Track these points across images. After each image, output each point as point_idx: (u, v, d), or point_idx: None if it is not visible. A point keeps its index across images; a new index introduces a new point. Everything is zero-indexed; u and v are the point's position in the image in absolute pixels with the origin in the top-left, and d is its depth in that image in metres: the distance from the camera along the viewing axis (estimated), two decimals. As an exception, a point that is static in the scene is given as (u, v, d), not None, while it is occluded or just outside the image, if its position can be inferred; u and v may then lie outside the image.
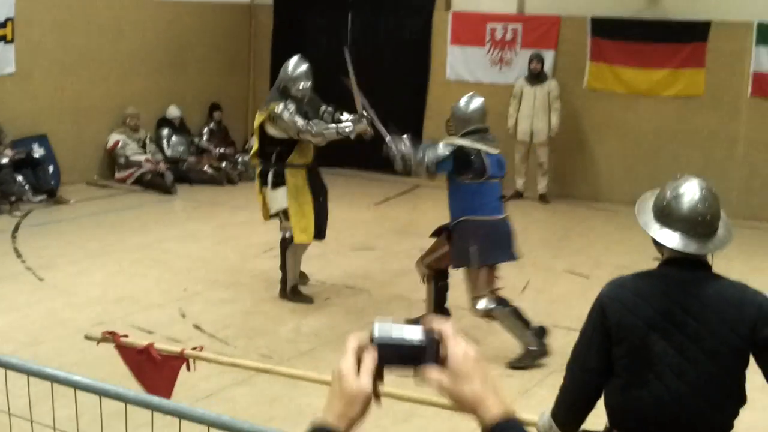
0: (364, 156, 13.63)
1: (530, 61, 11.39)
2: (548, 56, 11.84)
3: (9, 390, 3.29)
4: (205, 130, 13.12)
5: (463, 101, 6.43)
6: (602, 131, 11.85)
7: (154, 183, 11.68)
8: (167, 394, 4.10)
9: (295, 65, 7.39)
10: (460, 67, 12.59)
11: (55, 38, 11.34)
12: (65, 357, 5.81)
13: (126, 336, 4.32)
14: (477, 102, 6.40)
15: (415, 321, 5.60)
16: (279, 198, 7.25)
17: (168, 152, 12.45)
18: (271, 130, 7.19)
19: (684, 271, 3.04)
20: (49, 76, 11.37)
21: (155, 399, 2.73)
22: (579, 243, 9.55)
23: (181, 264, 8.41)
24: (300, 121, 7.07)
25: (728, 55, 10.96)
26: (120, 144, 11.88)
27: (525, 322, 6.29)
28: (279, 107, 7.10)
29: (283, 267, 7.42)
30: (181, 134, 12.79)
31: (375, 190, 12.19)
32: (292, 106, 7.14)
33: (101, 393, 2.89)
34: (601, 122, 11.82)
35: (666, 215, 3.05)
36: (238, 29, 14.00)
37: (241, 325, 6.88)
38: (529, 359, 6.23)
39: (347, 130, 7.20)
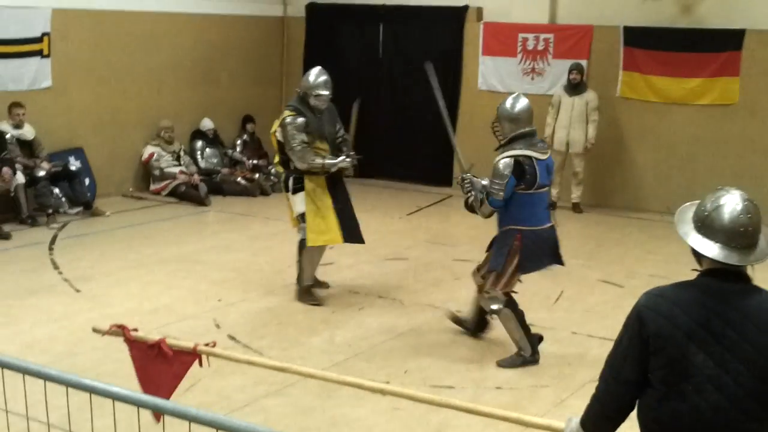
0: (396, 166, 13.77)
1: (570, 72, 11.34)
2: (584, 66, 11.80)
3: (48, 401, 3.33)
4: (239, 141, 13.22)
5: (508, 102, 6.30)
6: (636, 140, 11.78)
7: (188, 195, 11.78)
8: (168, 393, 4.08)
9: (317, 75, 7.57)
10: (492, 78, 12.59)
11: (90, 52, 11.49)
12: (102, 367, 5.88)
13: (136, 330, 4.27)
14: (523, 102, 6.29)
15: (458, 321, 5.45)
16: (298, 202, 7.51)
17: (202, 164, 12.56)
18: (279, 136, 7.48)
19: (724, 282, 3.01)
20: (85, 90, 11.52)
21: (192, 410, 2.75)
22: (613, 253, 9.48)
23: (216, 275, 8.47)
24: (296, 140, 7.33)
25: (763, 63, 10.87)
26: (155, 156, 12.00)
27: (526, 328, 6.36)
28: (289, 117, 7.40)
29: (299, 267, 7.72)
30: (214, 146, 12.90)
31: (406, 200, 12.22)
32: (301, 120, 7.36)
33: (139, 404, 2.92)
34: (635, 131, 11.76)
35: (707, 226, 3.03)
36: (271, 41, 14.10)
37: (275, 335, 6.92)
38: (518, 363, 6.34)
39: (332, 169, 7.48)
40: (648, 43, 11.48)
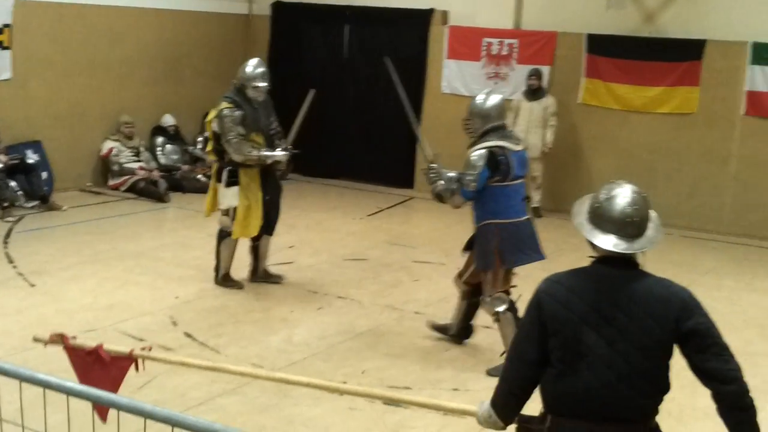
0: (358, 167, 13.76)
1: (529, 77, 11.41)
2: (544, 72, 11.88)
3: (1, 396, 3.28)
4: (200, 138, 13.12)
5: (480, 97, 6.29)
6: (596, 146, 11.89)
7: (147, 191, 11.67)
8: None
9: (254, 66, 7.63)
10: (456, 81, 12.63)
11: (51, 45, 11.35)
12: (56, 363, 5.76)
13: (75, 338, 4.38)
14: (495, 98, 6.28)
15: (440, 328, 5.42)
16: (230, 196, 7.58)
17: (162, 160, 12.47)
18: (214, 126, 7.53)
19: (614, 269, 3.25)
20: (45, 83, 11.38)
21: (147, 406, 2.72)
22: (572, 257, 9.53)
23: (173, 272, 8.40)
24: (233, 132, 7.38)
25: (723, 73, 11.02)
26: (114, 151, 11.89)
27: None
28: (227, 109, 7.46)
29: (217, 256, 7.92)
30: (175, 143, 12.81)
31: (367, 201, 12.21)
32: (238, 113, 7.43)
33: (93, 399, 2.89)
34: (596, 137, 11.87)
35: (598, 216, 3.28)
36: (236, 39, 14.03)
37: (232, 333, 6.87)
38: None
39: (268, 161, 7.57)
40: (610, 50, 11.59)
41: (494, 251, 6.15)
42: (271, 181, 7.77)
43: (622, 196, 3.28)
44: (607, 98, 11.72)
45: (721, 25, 11.02)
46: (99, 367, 4.21)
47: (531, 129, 11.30)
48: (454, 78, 12.66)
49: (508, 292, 6.32)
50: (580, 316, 3.19)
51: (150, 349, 4.30)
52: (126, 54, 12.33)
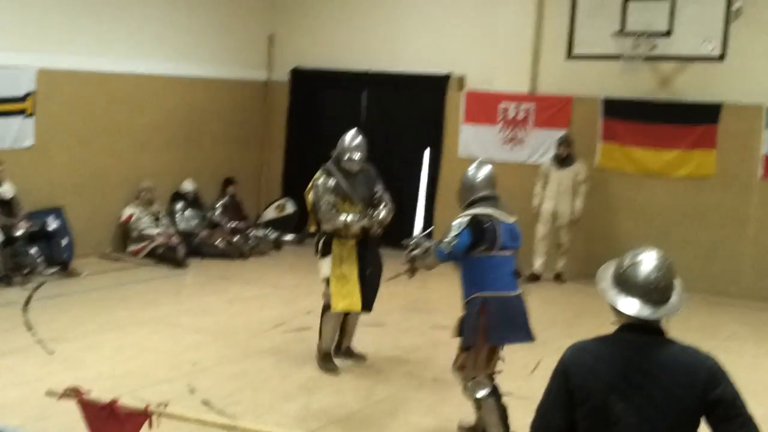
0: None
1: (558, 145, 11.44)
2: (559, 135, 11.94)
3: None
4: (219, 204, 13.22)
5: (471, 169, 6.12)
6: (613, 211, 11.88)
7: (166, 256, 11.72)
8: None
9: (351, 138, 7.64)
10: (473, 145, 12.70)
11: (73, 112, 11.52)
12: (76, 431, 5.77)
13: (89, 392, 4.35)
14: (485, 169, 6.06)
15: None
16: (324, 266, 7.48)
17: (181, 225, 12.54)
18: (311, 196, 7.49)
19: (640, 335, 3.25)
20: (66, 150, 11.53)
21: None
22: (592, 322, 9.45)
23: (192, 338, 8.40)
24: (323, 201, 7.35)
25: (739, 137, 11.06)
26: (134, 217, 11.98)
27: (507, 427, 5.86)
28: (321, 179, 7.46)
29: (320, 333, 7.65)
30: (194, 208, 12.90)
31: (385, 266, 12.17)
32: (331, 182, 7.41)
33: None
34: (613, 201, 11.87)
35: (623, 282, 3.27)
36: (254, 105, 14.21)
37: (250, 401, 6.84)
38: None
39: (354, 228, 7.46)
40: (626, 114, 11.67)
41: (479, 327, 5.76)
42: (371, 255, 7.60)
43: (647, 261, 3.27)
44: (623, 162, 11.75)
45: (737, 89, 11.09)
46: (113, 423, 4.18)
47: (560, 197, 11.34)
48: (470, 142, 12.74)
49: (491, 376, 5.92)
50: (607, 383, 3.18)
51: (166, 406, 4.24)
52: (146, 121, 12.50)
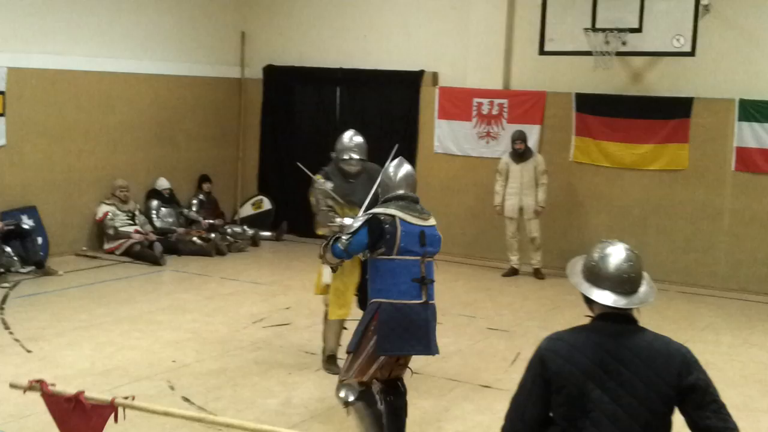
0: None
1: (513, 141, 11.48)
2: (534, 130, 12.03)
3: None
4: (195, 201, 13.19)
5: (390, 166, 5.79)
6: (589, 204, 11.97)
7: (143, 254, 11.68)
8: None
9: (348, 138, 7.27)
10: (448, 141, 12.75)
11: (45, 111, 11.44)
12: (52, 430, 5.75)
13: (54, 385, 4.31)
14: (404, 169, 5.74)
15: None
16: (326, 273, 7.15)
17: (157, 223, 12.50)
18: (311, 199, 7.25)
19: (615, 325, 3.34)
20: (39, 149, 11.44)
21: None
22: (568, 314, 9.56)
23: (171, 335, 8.38)
24: (321, 204, 7.10)
25: (711, 130, 11.18)
26: (109, 215, 11.92)
27: None
28: (319, 181, 7.19)
29: (323, 337, 7.55)
30: (170, 205, 12.86)
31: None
32: (329, 185, 7.12)
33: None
34: (588, 195, 11.96)
35: (595, 275, 3.39)
36: (228, 103, 14.17)
37: (230, 397, 6.84)
38: None
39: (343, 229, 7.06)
40: (599, 109, 11.75)
41: (367, 333, 5.40)
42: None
43: (616, 253, 3.40)
44: (597, 156, 11.85)
45: (708, 83, 11.21)
46: (78, 415, 4.14)
47: (524, 191, 11.37)
48: (445, 138, 12.78)
49: (368, 384, 5.51)
50: (583, 371, 3.26)
51: (133, 399, 4.20)
52: (119, 119, 12.44)
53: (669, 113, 11.36)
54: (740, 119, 10.99)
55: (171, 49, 13.15)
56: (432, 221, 5.61)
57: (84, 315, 8.98)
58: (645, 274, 3.43)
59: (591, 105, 11.81)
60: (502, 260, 11.82)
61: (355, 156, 7.16)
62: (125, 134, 12.57)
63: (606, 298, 3.33)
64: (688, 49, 11.14)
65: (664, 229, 11.49)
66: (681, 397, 3.23)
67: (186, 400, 6.71)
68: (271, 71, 14.09)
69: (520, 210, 11.46)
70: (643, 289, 3.38)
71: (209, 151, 13.88)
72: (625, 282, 3.33)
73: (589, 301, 3.41)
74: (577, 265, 3.50)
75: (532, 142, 11.84)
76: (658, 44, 11.31)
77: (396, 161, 5.85)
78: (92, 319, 8.86)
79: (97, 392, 6.62)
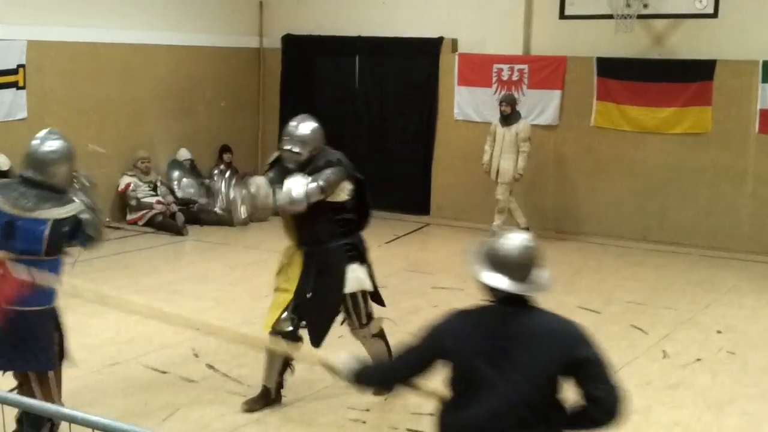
0: (373, 196, 13.76)
1: (500, 103, 11.36)
2: (555, 96, 11.95)
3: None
4: (216, 171, 13.22)
5: (35, 141, 5.14)
6: (611, 168, 11.89)
7: (165, 224, 11.75)
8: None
9: (289, 125, 6.08)
10: (468, 108, 12.68)
11: (65, 84, 11.48)
12: (80, 398, 5.84)
13: None
14: (49, 145, 5.06)
15: None
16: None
17: (179, 194, 12.54)
18: None
19: (507, 306, 3.50)
20: (60, 121, 11.43)
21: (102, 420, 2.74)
22: (591, 279, 9.56)
23: (193, 304, 8.43)
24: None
25: (734, 93, 11.05)
26: (131, 186, 11.98)
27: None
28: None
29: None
30: (191, 176, 12.90)
31: (383, 229, 12.22)
32: (271, 175, 6.14)
33: None
34: (610, 160, 11.88)
35: (490, 261, 3.53)
36: (248, 72, 14.16)
37: (254, 364, 6.85)
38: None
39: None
40: (621, 73, 11.64)
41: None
42: (326, 278, 6.11)
43: (512, 242, 3.55)
44: (619, 120, 11.75)
45: (731, 45, 11.06)
46: None
47: (503, 154, 11.23)
48: (466, 104, 12.71)
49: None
50: (475, 348, 3.43)
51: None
52: (140, 90, 12.46)
53: (691, 76, 11.23)
54: (764, 81, 10.84)
55: (190, 19, 13.12)
56: (36, 212, 4.97)
57: (108, 285, 9.02)
58: (543, 265, 3.57)
59: (612, 69, 11.69)
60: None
61: (289, 148, 5.89)
62: (145, 106, 12.60)
63: (501, 282, 3.47)
64: (710, 10, 11.03)
65: (686, 192, 11.41)
66: (573, 372, 3.35)
67: (210, 367, 6.78)
68: (289, 40, 14.04)
69: (497, 172, 11.25)
70: (538, 277, 3.52)
71: (230, 121, 13.89)
72: (518, 268, 3.47)
73: (487, 286, 3.53)
74: (475, 253, 3.61)
75: (553, 107, 11.76)
76: (680, 6, 11.21)
77: (42, 133, 5.22)
78: (116, 289, 8.89)
79: (123, 359, 6.74)
